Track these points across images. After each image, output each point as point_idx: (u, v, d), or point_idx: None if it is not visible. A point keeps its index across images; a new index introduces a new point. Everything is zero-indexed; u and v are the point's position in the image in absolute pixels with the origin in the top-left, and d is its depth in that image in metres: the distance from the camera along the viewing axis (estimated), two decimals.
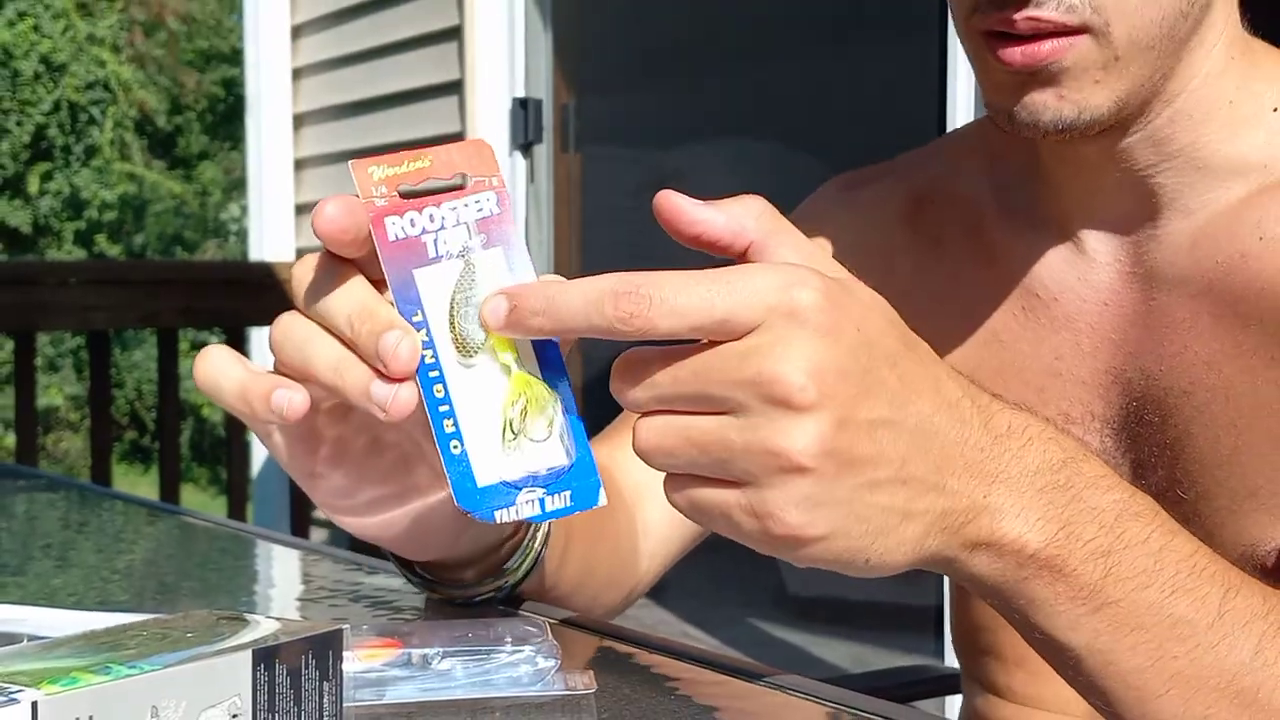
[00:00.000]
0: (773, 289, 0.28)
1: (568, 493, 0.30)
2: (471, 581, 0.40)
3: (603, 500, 0.30)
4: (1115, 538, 0.31)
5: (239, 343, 2.08)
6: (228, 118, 7.13)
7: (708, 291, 0.27)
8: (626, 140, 2.24)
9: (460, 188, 0.30)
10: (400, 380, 0.29)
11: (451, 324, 0.29)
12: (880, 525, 0.29)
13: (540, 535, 0.40)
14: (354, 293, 0.30)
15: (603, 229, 2.10)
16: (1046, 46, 0.38)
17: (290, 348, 0.31)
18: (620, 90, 2.27)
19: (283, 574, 0.56)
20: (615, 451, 0.49)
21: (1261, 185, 0.41)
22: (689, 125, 2.22)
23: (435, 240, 0.30)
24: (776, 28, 2.14)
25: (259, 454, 2.40)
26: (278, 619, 0.32)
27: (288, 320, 0.31)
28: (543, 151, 2.00)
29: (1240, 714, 0.31)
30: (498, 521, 0.29)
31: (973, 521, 0.30)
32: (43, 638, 0.31)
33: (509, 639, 0.33)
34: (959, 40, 0.42)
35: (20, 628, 0.38)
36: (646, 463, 0.29)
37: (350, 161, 0.30)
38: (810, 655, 1.90)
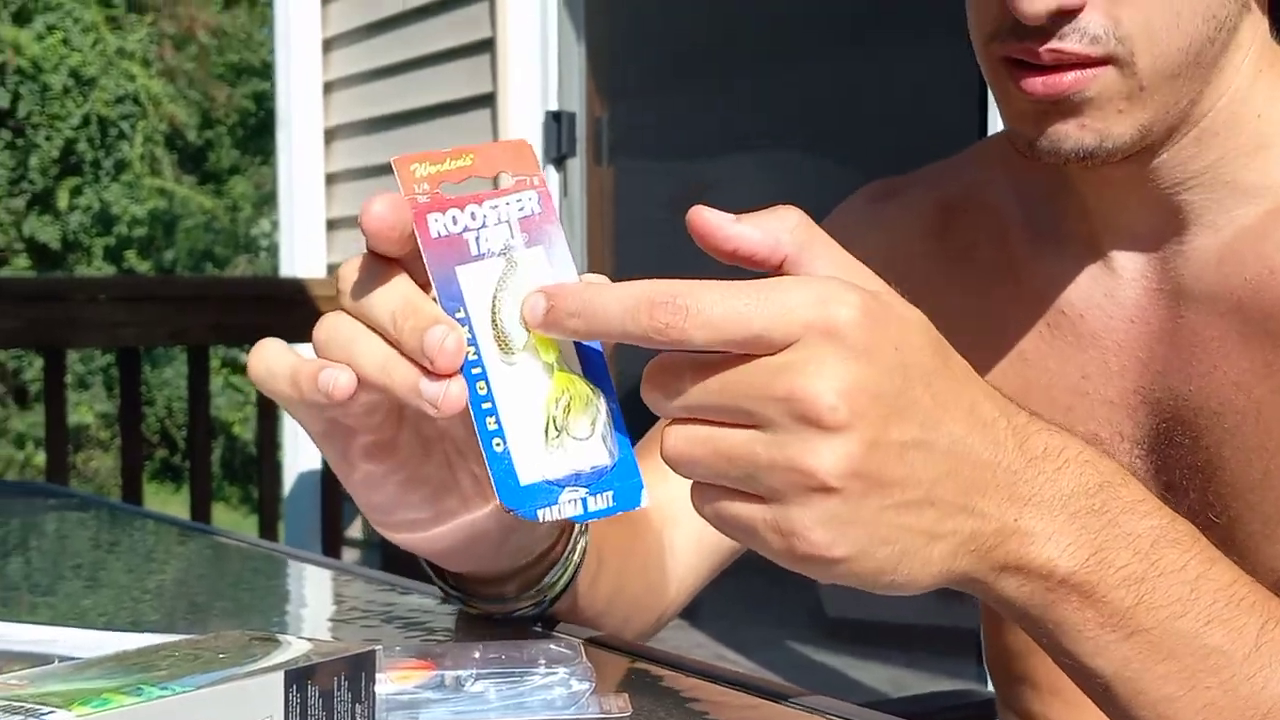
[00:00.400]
0: (809, 304, 0.28)
1: (610, 493, 0.30)
2: (511, 595, 0.40)
3: (645, 501, 0.31)
4: (1150, 564, 0.31)
5: None
6: (258, 132, 7.24)
7: (744, 305, 0.28)
8: (660, 152, 2.28)
9: (502, 186, 0.31)
10: (447, 376, 0.29)
11: (494, 321, 0.30)
12: (906, 546, 0.29)
13: (579, 548, 0.41)
14: (398, 289, 0.31)
15: (636, 241, 2.12)
16: (1069, 77, 0.39)
17: (335, 347, 0.32)
18: (654, 102, 2.33)
19: (315, 594, 0.57)
20: (643, 468, 0.49)
21: None
22: (724, 135, 2.27)
23: (477, 238, 0.30)
24: (813, 31, 2.16)
25: (290, 473, 2.43)
26: (310, 640, 0.32)
27: (332, 320, 0.32)
28: (576, 165, 2.03)
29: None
30: (540, 520, 0.30)
31: (1002, 544, 0.30)
32: (73, 659, 0.32)
33: (543, 661, 0.33)
34: (979, 62, 0.42)
35: (51, 649, 0.39)
36: (674, 470, 0.30)
37: (393, 158, 0.31)
38: (849, 678, 1.91)
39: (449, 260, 0.30)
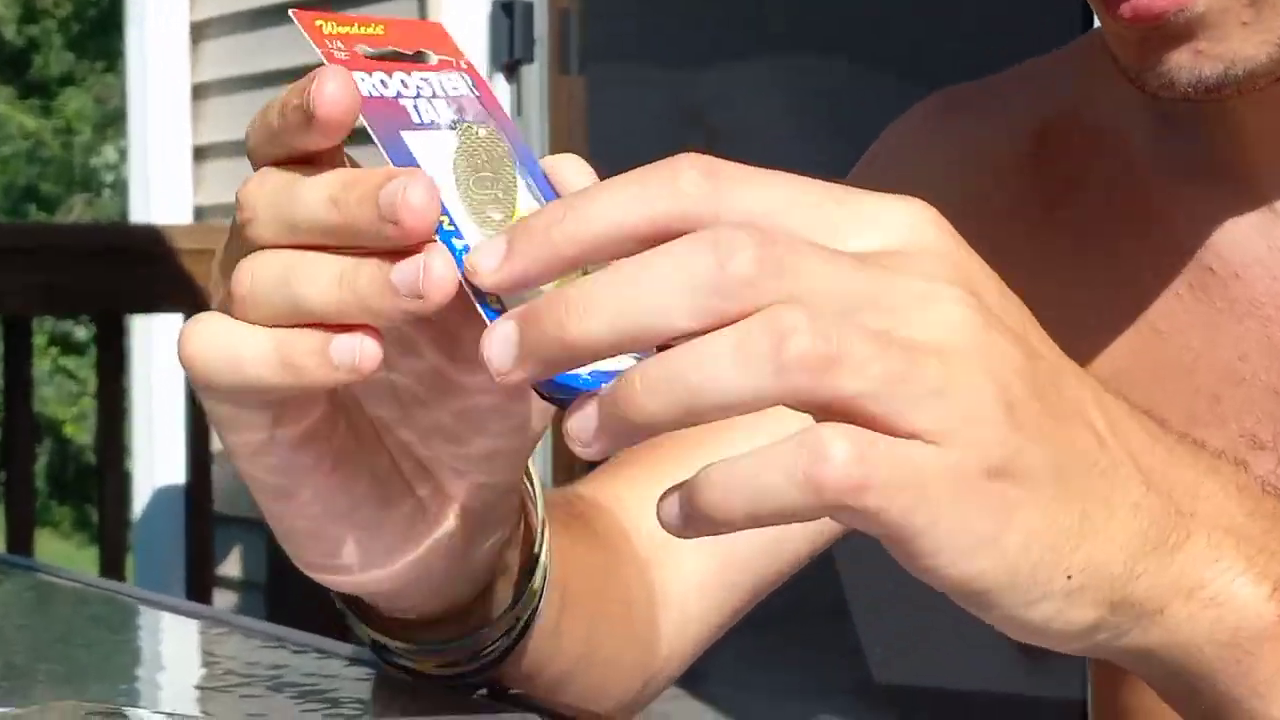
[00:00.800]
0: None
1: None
2: (454, 641, 0.41)
3: None
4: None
5: (116, 336, 2.16)
6: (101, 29, 7.20)
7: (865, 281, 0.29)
8: (646, 58, 2.47)
9: (423, 63, 0.33)
10: (420, 242, 0.29)
11: (467, 197, 0.32)
12: (1087, 507, 0.30)
13: (540, 577, 0.42)
14: (332, 174, 0.31)
15: (612, 153, 2.20)
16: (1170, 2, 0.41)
17: (267, 291, 0.31)
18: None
19: (177, 652, 0.59)
20: (622, 490, 0.51)
21: None
22: (729, 34, 2.47)
23: (415, 107, 0.32)
24: None
25: (143, 488, 2.47)
26: (169, 715, 0.32)
27: (258, 261, 0.31)
28: (534, 73, 2.18)
29: None
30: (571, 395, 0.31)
31: (1185, 548, 0.32)
32: None
33: None
34: None
35: None
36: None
37: (293, 10, 0.32)
38: None
39: (392, 124, 0.32)
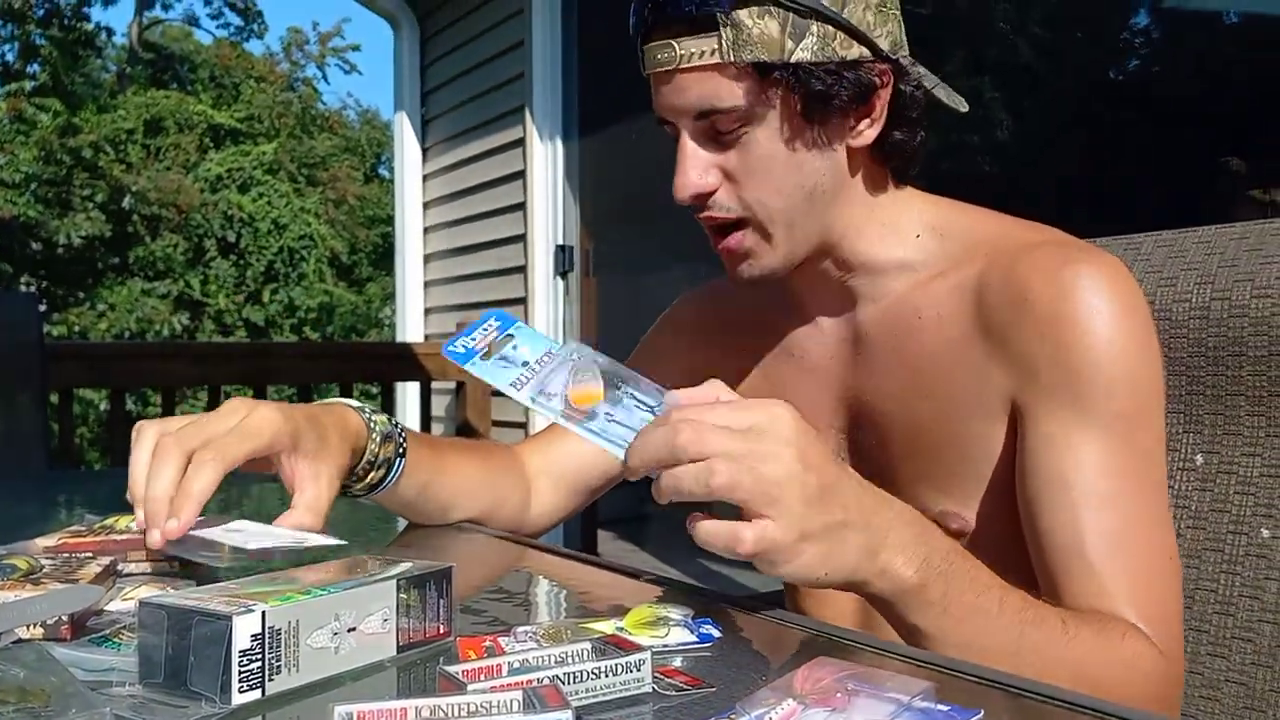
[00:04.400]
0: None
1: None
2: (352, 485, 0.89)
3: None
4: (950, 565, 0.71)
5: (389, 392, 4.52)
6: (385, 256, 15.09)
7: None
8: (624, 270, 4.32)
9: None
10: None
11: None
12: (832, 548, 0.66)
13: (377, 475, 0.90)
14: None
15: (609, 320, 4.44)
16: (732, 239, 0.88)
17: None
18: (620, 239, 4.33)
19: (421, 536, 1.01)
20: (525, 448, 1.06)
21: (916, 281, 0.89)
22: (662, 260, 4.06)
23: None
24: None
25: None
26: (412, 560, 0.64)
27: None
28: (574, 277, 4.19)
29: (1014, 669, 0.63)
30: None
31: (881, 552, 0.67)
32: (246, 549, 0.73)
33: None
34: None
35: (235, 539, 0.75)
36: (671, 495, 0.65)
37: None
38: (735, 580, 3.46)
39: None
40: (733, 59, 0.83)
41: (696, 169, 0.87)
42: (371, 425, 0.90)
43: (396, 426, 0.94)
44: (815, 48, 0.84)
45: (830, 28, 0.84)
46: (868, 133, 0.89)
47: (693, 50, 0.84)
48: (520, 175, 4.35)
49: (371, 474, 0.91)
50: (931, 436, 0.90)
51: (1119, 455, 0.81)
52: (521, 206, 4.36)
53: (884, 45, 0.87)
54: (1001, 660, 0.68)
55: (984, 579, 0.74)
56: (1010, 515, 0.86)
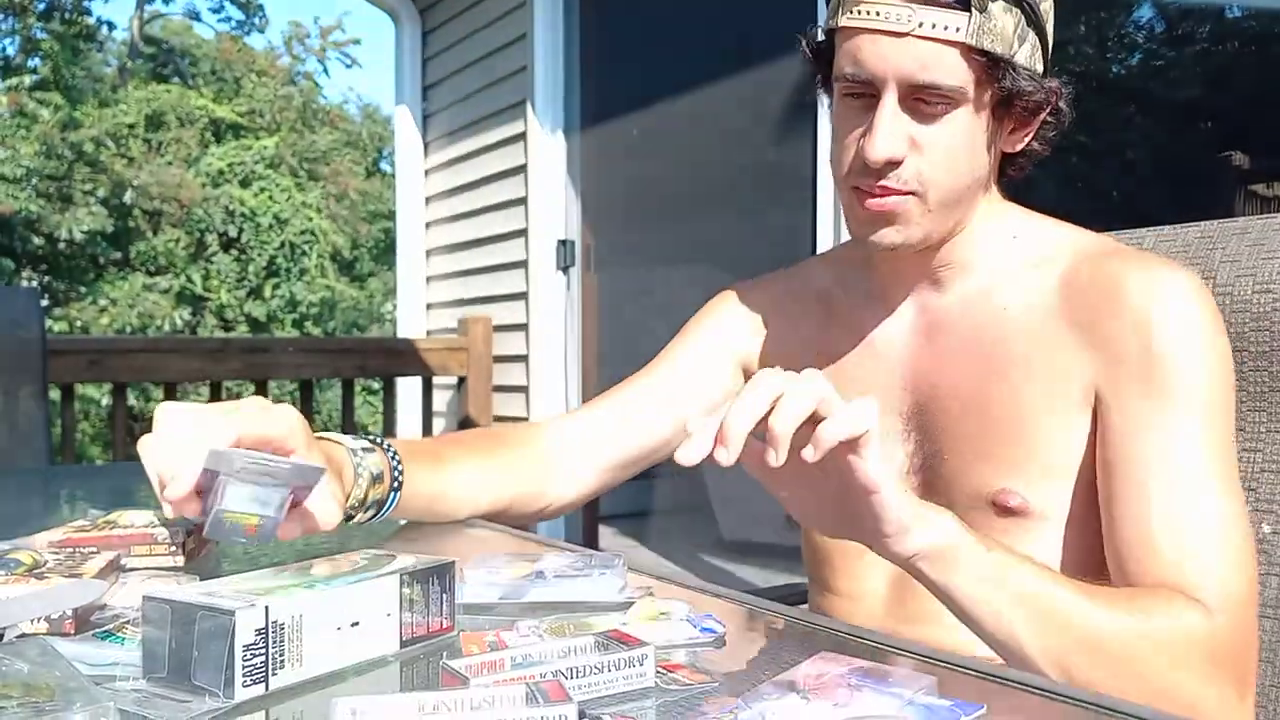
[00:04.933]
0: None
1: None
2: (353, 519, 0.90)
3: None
4: (990, 544, 0.77)
5: (390, 387, 4.53)
6: (386, 251, 15.10)
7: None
8: (626, 266, 4.20)
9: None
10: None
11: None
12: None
13: (365, 516, 0.90)
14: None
15: (611, 316, 4.45)
16: (890, 201, 0.89)
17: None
18: (622, 234, 4.21)
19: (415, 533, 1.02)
20: (557, 424, 1.09)
21: (1004, 274, 0.95)
22: (662, 256, 4.04)
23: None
24: (719, 193, 4.39)
25: None
26: (415, 555, 0.65)
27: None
28: (576, 272, 4.11)
29: (1023, 612, 0.75)
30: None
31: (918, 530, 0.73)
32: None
33: (596, 563, 0.75)
34: (835, 185, 0.94)
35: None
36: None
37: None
38: (735, 576, 3.41)
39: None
40: (974, 43, 0.86)
41: (896, 134, 0.88)
42: (359, 470, 0.89)
43: (394, 459, 0.93)
44: (1028, 55, 0.89)
45: (1038, 40, 0.90)
46: (1019, 142, 0.95)
47: (937, 20, 0.86)
48: (522, 170, 4.35)
49: (359, 515, 0.91)
50: (1000, 418, 0.92)
51: (1201, 441, 0.85)
52: (523, 201, 4.36)
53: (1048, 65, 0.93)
54: (1045, 610, 0.75)
55: (1017, 555, 0.79)
56: (1079, 500, 0.90)
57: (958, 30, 0.85)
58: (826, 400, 0.68)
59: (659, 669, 0.58)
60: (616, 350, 4.14)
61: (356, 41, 23.22)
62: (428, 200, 5.01)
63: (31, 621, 0.65)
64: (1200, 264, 1.04)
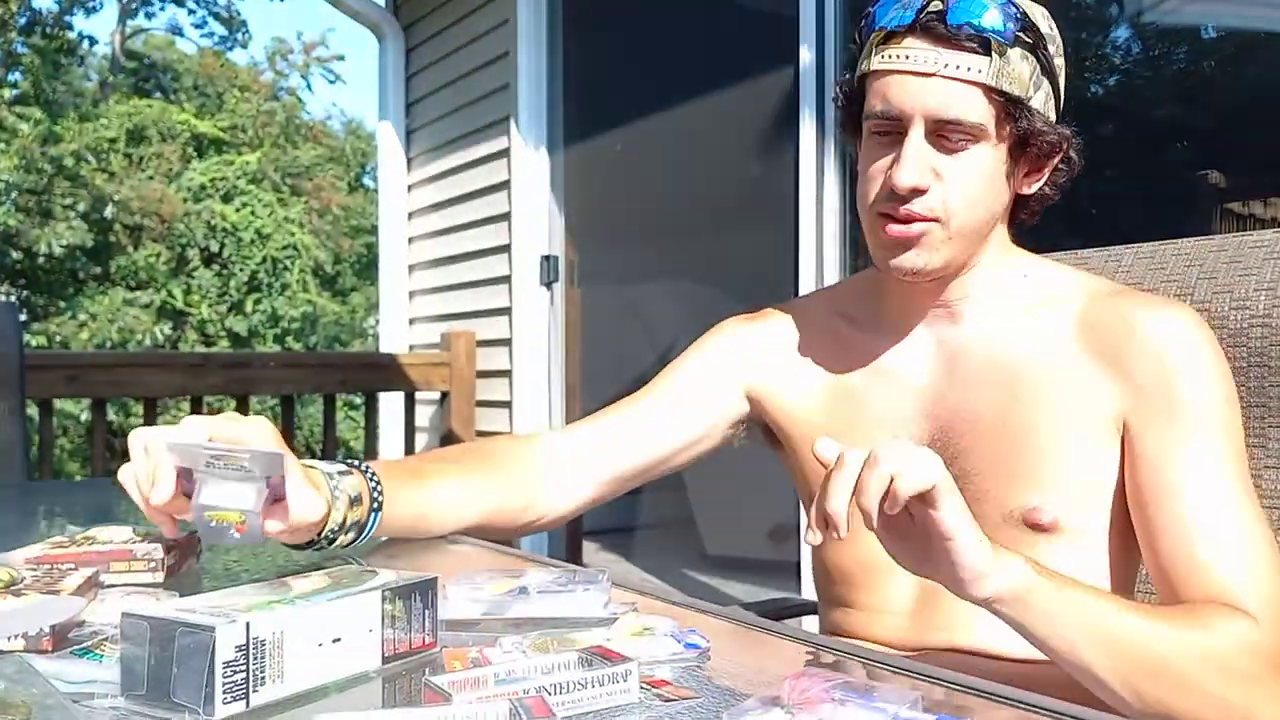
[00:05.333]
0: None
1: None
2: (318, 544, 0.90)
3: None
4: (1060, 582, 0.80)
5: (373, 402, 4.52)
6: (369, 266, 15.16)
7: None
8: (609, 281, 4.19)
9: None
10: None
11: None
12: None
13: (347, 538, 0.91)
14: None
15: (594, 331, 4.45)
16: (915, 228, 0.94)
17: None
18: (605, 249, 4.20)
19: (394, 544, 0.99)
20: (553, 438, 1.11)
21: (1021, 309, 1.00)
22: (645, 272, 4.07)
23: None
24: (698, 214, 4.41)
25: None
26: (397, 571, 0.65)
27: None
28: (559, 287, 4.06)
29: (1093, 643, 0.79)
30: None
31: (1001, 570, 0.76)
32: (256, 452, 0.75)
33: (580, 579, 0.74)
34: (860, 215, 0.98)
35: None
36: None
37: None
38: (720, 591, 3.38)
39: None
40: (994, 84, 0.93)
41: (922, 165, 0.94)
42: (336, 494, 0.91)
43: (372, 480, 0.95)
44: (1041, 101, 0.96)
45: (1051, 89, 0.97)
46: (1031, 185, 1.01)
47: (961, 63, 0.93)
48: (505, 185, 4.36)
49: (340, 537, 0.92)
50: (1025, 441, 0.97)
51: (1223, 460, 0.91)
52: (506, 217, 4.36)
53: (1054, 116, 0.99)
54: (1113, 639, 0.79)
55: (1067, 576, 0.82)
56: (1107, 518, 0.95)
57: (980, 71, 0.92)
58: (902, 465, 0.74)
59: (643, 685, 0.58)
60: (600, 365, 4.14)
61: (340, 57, 23.24)
62: (411, 215, 5.01)
63: (8, 639, 0.64)
64: (1178, 281, 1.05)
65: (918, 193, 0.94)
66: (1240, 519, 0.88)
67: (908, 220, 0.95)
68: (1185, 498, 0.89)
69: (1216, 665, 0.81)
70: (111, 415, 8.69)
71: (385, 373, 4.42)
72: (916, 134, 0.94)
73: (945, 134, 0.94)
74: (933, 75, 0.93)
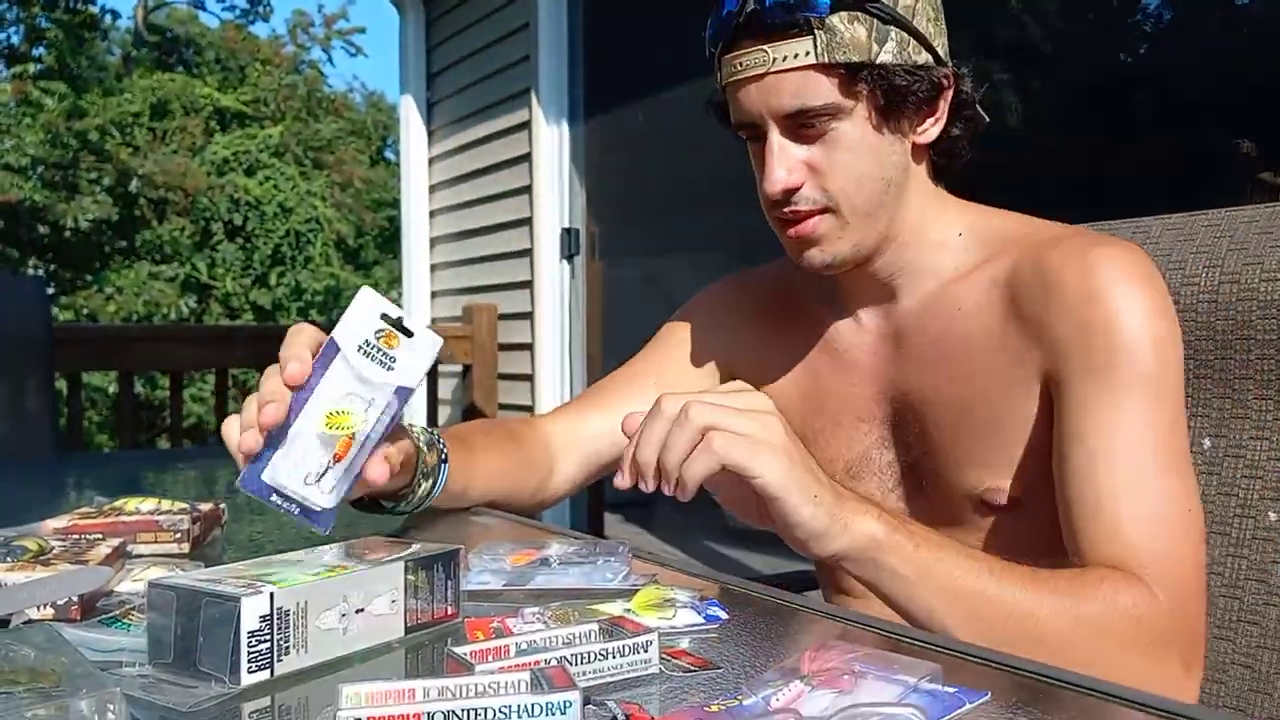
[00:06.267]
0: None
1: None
2: (392, 505, 0.93)
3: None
4: (920, 542, 0.78)
5: None
6: (391, 239, 15.15)
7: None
8: (629, 254, 4.38)
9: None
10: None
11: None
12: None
13: (426, 486, 0.92)
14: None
15: (615, 304, 4.45)
16: (807, 224, 0.93)
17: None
18: (625, 223, 4.37)
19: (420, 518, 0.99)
20: (552, 423, 1.10)
21: (954, 276, 0.96)
22: (666, 245, 4.34)
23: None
24: (719, 186, 4.38)
25: None
26: (420, 542, 0.65)
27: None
28: (580, 260, 4.21)
29: (953, 608, 0.76)
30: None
31: (846, 506, 0.75)
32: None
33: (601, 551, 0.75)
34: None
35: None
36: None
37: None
38: (740, 562, 3.44)
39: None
40: (827, 60, 0.90)
41: (785, 165, 0.93)
42: (415, 435, 0.93)
43: (434, 433, 0.97)
44: (895, 51, 0.91)
45: (905, 34, 0.92)
46: (931, 130, 0.96)
47: (786, 53, 0.91)
48: (526, 158, 4.35)
49: (423, 485, 0.95)
50: (974, 420, 0.94)
51: (1142, 416, 0.86)
52: (527, 190, 4.36)
53: (941, 53, 0.95)
54: (976, 604, 0.76)
55: (938, 536, 0.80)
56: (1053, 489, 0.90)
57: (807, 54, 0.90)
58: (720, 420, 0.74)
59: (663, 655, 0.58)
60: (621, 338, 4.14)
61: (361, 30, 23.24)
62: (432, 189, 5.01)
63: (38, 608, 0.65)
64: (1208, 253, 1.04)
65: (793, 191, 0.94)
66: (1152, 486, 0.84)
67: (800, 218, 0.95)
68: (1093, 457, 0.85)
69: (1092, 633, 0.77)
70: (139, 388, 8.81)
71: None
72: (774, 135, 0.93)
73: (802, 124, 0.92)
74: (766, 75, 0.92)
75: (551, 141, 4.24)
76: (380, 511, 0.96)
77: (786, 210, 0.94)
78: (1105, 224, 1.16)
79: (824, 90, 0.91)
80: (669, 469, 0.74)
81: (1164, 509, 0.84)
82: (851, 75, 0.91)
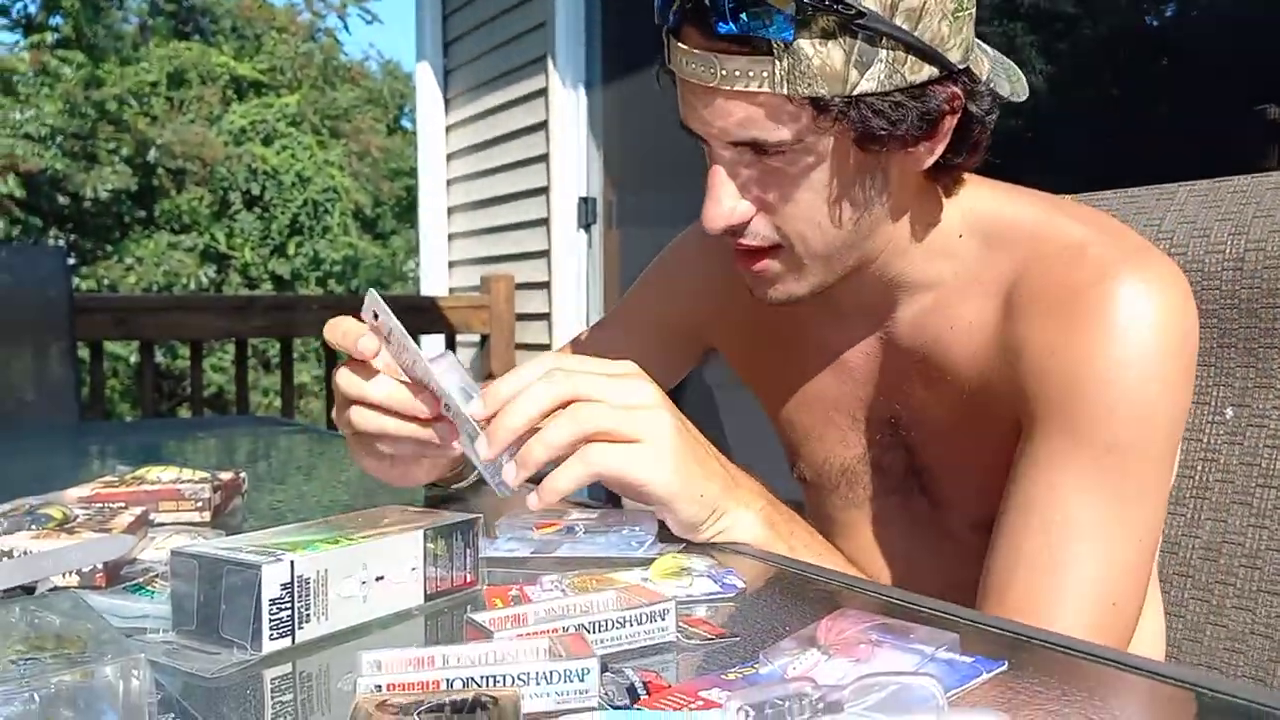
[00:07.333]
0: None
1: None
2: (450, 481, 0.96)
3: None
4: (788, 518, 0.80)
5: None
6: (409, 209, 15.09)
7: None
8: (648, 223, 4.17)
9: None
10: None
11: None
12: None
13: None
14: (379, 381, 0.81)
15: (632, 274, 4.41)
16: (758, 265, 0.81)
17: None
18: (643, 192, 4.18)
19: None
20: None
21: (952, 287, 0.85)
22: (683, 214, 4.49)
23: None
24: None
25: None
26: (439, 511, 0.66)
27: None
28: (597, 229, 4.17)
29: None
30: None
31: (735, 494, 0.75)
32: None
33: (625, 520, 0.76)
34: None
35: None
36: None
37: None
38: None
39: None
40: (786, 92, 0.73)
41: (729, 197, 0.79)
42: None
43: None
44: (882, 76, 0.74)
45: (900, 52, 0.74)
46: (926, 159, 0.81)
47: (738, 71, 0.73)
48: (543, 126, 4.33)
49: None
50: (962, 444, 0.89)
51: (1099, 487, 0.76)
52: (544, 158, 4.34)
53: (955, 57, 0.77)
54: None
55: (820, 544, 0.82)
56: None
57: (765, 77, 0.73)
58: (595, 435, 0.72)
59: (680, 624, 0.59)
60: None
61: None
62: (449, 157, 5.00)
63: (63, 575, 0.66)
64: (1233, 220, 1.03)
65: (739, 227, 0.80)
66: (1080, 553, 0.75)
67: (750, 252, 0.82)
68: (1024, 512, 0.77)
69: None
70: (160, 357, 8.88)
71: (426, 316, 4.46)
72: (716, 165, 0.79)
73: (756, 152, 0.77)
74: (713, 89, 0.75)
75: (568, 109, 4.22)
76: (440, 488, 0.98)
77: (736, 243, 0.82)
78: (1129, 191, 1.14)
79: (778, 125, 0.75)
80: (531, 458, 0.71)
81: (1086, 582, 0.75)
82: (818, 110, 0.74)
